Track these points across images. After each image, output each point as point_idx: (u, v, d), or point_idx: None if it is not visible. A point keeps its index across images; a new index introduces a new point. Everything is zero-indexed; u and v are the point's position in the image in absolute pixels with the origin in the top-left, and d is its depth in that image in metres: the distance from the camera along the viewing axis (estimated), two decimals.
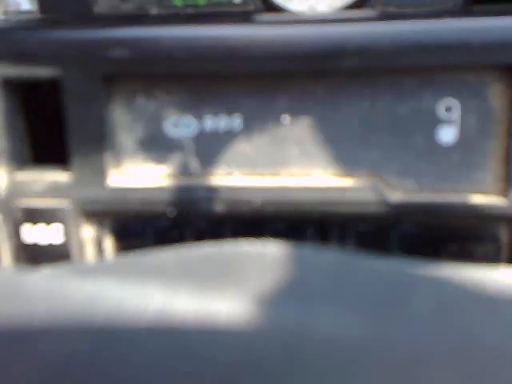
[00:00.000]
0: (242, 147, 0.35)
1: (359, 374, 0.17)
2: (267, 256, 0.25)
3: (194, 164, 0.35)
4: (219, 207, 0.35)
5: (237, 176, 0.35)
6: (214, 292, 0.21)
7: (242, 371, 0.17)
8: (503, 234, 0.34)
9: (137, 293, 0.20)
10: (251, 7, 0.34)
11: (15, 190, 0.36)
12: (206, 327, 0.19)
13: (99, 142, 0.34)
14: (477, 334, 0.20)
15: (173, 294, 0.21)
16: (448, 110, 0.33)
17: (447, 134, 0.34)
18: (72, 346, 0.17)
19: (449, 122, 0.34)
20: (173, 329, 0.18)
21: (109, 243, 0.37)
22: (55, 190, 0.35)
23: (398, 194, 0.34)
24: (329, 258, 0.25)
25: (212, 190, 0.35)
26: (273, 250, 0.26)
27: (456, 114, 0.33)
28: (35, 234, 0.36)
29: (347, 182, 0.34)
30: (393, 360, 0.18)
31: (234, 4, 0.34)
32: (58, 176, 0.35)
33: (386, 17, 0.32)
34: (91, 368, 0.17)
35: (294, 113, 0.34)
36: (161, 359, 0.17)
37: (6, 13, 0.36)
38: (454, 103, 0.33)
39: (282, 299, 0.21)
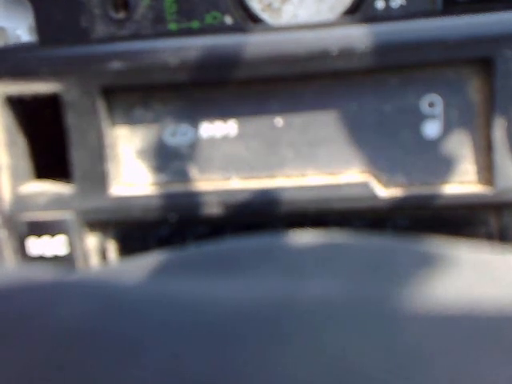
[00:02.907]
0: (238, 151, 0.36)
1: (346, 326, 0.18)
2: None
3: (193, 170, 0.36)
4: (218, 211, 0.36)
5: (234, 180, 0.37)
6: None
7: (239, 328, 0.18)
8: (492, 220, 0.36)
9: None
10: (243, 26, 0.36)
11: (19, 205, 0.37)
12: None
13: (100, 153, 0.35)
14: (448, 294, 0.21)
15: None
16: (431, 105, 0.35)
17: (432, 129, 0.36)
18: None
19: (432, 117, 0.35)
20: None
21: (112, 252, 0.38)
22: (58, 202, 0.36)
23: (388, 189, 0.36)
24: (320, 239, 0.27)
25: (211, 195, 0.36)
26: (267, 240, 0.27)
27: (439, 109, 0.35)
28: (40, 246, 0.37)
29: (340, 179, 0.36)
30: (376, 314, 0.19)
31: (226, 25, 0.36)
32: (60, 188, 0.36)
33: (366, 19, 0.34)
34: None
35: (287, 116, 0.36)
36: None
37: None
38: (437, 99, 0.35)
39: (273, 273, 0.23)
